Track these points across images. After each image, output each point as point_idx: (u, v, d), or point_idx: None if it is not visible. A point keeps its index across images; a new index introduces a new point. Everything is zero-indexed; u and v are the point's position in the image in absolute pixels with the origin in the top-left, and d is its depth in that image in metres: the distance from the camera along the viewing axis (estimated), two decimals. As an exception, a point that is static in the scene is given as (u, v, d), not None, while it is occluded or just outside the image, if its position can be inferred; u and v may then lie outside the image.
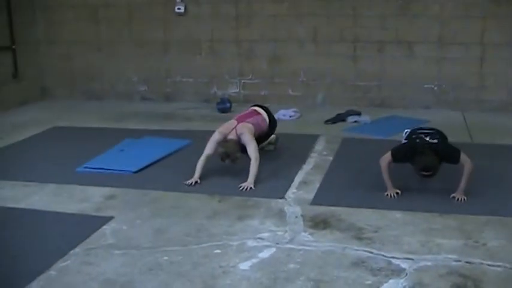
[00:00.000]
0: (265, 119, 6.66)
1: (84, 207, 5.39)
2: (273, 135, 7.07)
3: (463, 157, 5.49)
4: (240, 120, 6.35)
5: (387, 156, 5.62)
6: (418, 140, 5.60)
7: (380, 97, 10.12)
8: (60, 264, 4.23)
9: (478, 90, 9.83)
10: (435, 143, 5.53)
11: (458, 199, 5.40)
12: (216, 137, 6.13)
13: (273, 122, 6.83)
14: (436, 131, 5.86)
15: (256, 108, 6.81)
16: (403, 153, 5.61)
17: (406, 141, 5.85)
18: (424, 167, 5.30)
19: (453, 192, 5.46)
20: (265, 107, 6.94)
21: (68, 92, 11.36)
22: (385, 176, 5.60)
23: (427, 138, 5.58)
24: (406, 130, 6.19)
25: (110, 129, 8.56)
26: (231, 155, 5.86)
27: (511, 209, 5.21)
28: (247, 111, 6.73)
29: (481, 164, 6.37)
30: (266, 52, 10.34)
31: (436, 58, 9.84)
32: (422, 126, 6.42)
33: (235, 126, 6.20)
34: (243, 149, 6.06)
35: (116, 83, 11.12)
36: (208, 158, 6.07)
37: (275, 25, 10.21)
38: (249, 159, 5.97)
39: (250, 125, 6.28)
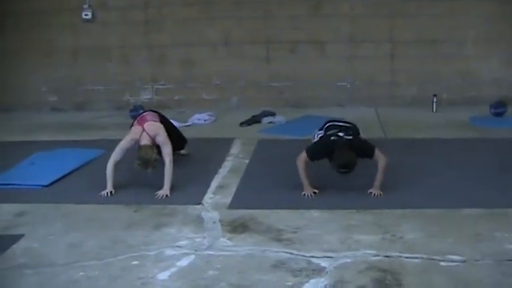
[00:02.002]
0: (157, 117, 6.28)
1: (-9, 227, 5.12)
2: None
3: (377, 153, 5.58)
4: (142, 122, 6.06)
5: (303, 156, 5.63)
6: (332, 138, 5.62)
7: (294, 97, 10.21)
8: (-33, 289, 4.02)
9: (389, 87, 10.08)
10: (350, 139, 5.58)
11: (374, 194, 5.49)
12: (124, 144, 5.88)
13: (165, 122, 6.41)
14: (349, 125, 5.93)
15: (149, 112, 6.46)
16: (319, 152, 5.63)
17: (321, 135, 5.82)
18: (342, 164, 5.34)
19: (369, 188, 5.54)
20: (158, 112, 6.59)
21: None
22: (302, 175, 5.61)
23: (341, 134, 5.62)
24: (318, 132, 6.28)
25: (18, 143, 8.21)
26: (152, 162, 5.61)
27: (425, 201, 5.34)
28: (145, 114, 6.35)
29: (394, 159, 6.51)
30: (178, 56, 10.26)
31: (348, 56, 10.04)
32: (335, 118, 6.46)
33: (144, 129, 5.91)
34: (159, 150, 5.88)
35: (23, 94, 10.69)
36: (117, 165, 5.82)
37: (186, 29, 10.14)
38: (162, 165, 5.81)
39: (158, 124, 6.07)
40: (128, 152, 5.89)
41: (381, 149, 5.66)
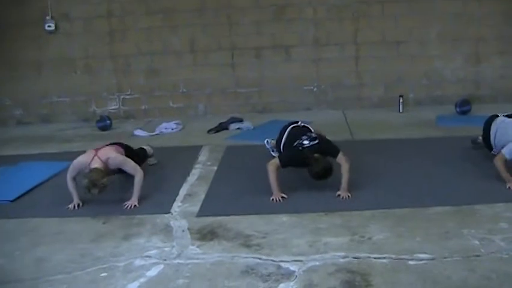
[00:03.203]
0: (122, 151, 6.12)
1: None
2: (148, 148, 6.94)
3: (341, 155, 5.66)
4: (97, 150, 5.89)
5: (275, 161, 5.66)
6: (301, 148, 5.71)
7: (261, 103, 10.23)
8: None
9: (356, 88, 10.16)
10: (317, 143, 5.68)
11: (343, 197, 5.50)
12: (75, 166, 5.73)
13: (127, 149, 6.30)
14: (306, 126, 6.14)
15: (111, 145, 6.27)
16: (291, 162, 5.71)
17: (286, 145, 5.93)
18: (321, 174, 5.46)
19: (337, 191, 5.56)
20: (121, 143, 6.45)
21: None
22: (272, 180, 5.61)
23: (307, 142, 5.71)
24: (266, 140, 6.38)
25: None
26: (97, 184, 5.41)
27: (393, 201, 5.37)
28: (101, 146, 6.18)
29: (362, 160, 6.58)
30: (143, 66, 10.22)
31: (313, 60, 10.10)
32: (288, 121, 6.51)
33: (96, 154, 5.75)
34: (113, 173, 5.82)
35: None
36: (75, 179, 5.73)
37: (150, 38, 10.11)
38: (131, 176, 5.78)
39: (111, 148, 5.95)
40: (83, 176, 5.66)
41: (349, 150, 5.69)
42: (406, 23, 9.84)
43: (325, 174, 5.48)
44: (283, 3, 9.90)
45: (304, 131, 6.03)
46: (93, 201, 5.76)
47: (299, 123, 6.32)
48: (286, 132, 6.14)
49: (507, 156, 5.56)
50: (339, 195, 5.54)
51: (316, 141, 5.70)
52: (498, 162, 5.60)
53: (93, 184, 5.39)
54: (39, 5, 10.00)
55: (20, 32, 10.19)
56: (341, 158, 5.66)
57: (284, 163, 5.68)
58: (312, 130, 6.12)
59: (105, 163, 5.70)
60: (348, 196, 5.51)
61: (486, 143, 6.33)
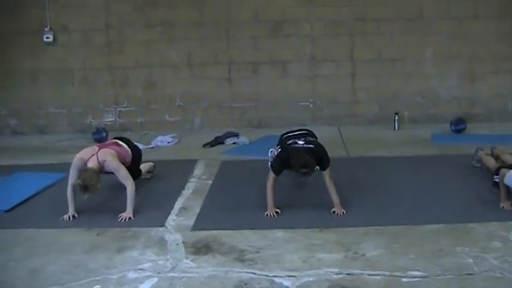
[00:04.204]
0: (127, 150, 6.30)
1: None
2: (150, 163, 6.95)
3: (329, 170, 5.63)
4: (101, 146, 6.03)
5: (271, 174, 5.66)
6: (292, 146, 5.71)
7: (257, 117, 10.25)
8: None
9: (351, 105, 10.20)
10: (311, 147, 5.66)
11: (338, 214, 5.51)
12: (75, 163, 5.75)
13: (135, 153, 6.45)
14: (305, 131, 6.11)
15: (117, 140, 6.45)
16: (280, 162, 5.66)
17: (279, 149, 5.89)
18: (301, 164, 5.35)
19: (331, 208, 5.57)
20: (126, 138, 6.62)
21: None
22: (268, 194, 5.62)
23: (301, 142, 5.72)
24: (270, 150, 6.40)
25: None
26: (91, 187, 5.44)
27: (387, 219, 5.38)
28: (108, 142, 6.46)
29: (357, 177, 6.61)
30: (140, 78, 10.24)
31: (310, 76, 10.14)
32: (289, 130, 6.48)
33: (97, 152, 5.81)
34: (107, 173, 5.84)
35: (-19, 117, 10.54)
36: (75, 187, 5.70)
37: (148, 50, 10.13)
38: (124, 186, 5.78)
39: (113, 151, 5.97)
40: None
41: (343, 167, 5.71)
42: (401, 41, 9.90)
43: (305, 164, 5.33)
44: (280, 19, 9.95)
45: (304, 134, 6.02)
46: (87, 213, 5.78)
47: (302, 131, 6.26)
48: (286, 136, 6.14)
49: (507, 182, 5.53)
50: (334, 211, 5.54)
51: (311, 145, 5.69)
52: (501, 178, 5.57)
53: (86, 187, 5.41)
54: (38, 16, 10.03)
55: (18, 42, 10.21)
56: (327, 174, 5.59)
57: (275, 169, 5.65)
58: (313, 138, 6.11)
59: (101, 164, 5.73)
60: (343, 212, 5.52)
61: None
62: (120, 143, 6.37)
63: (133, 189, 5.75)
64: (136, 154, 6.49)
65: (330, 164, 5.66)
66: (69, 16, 10.11)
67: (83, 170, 5.64)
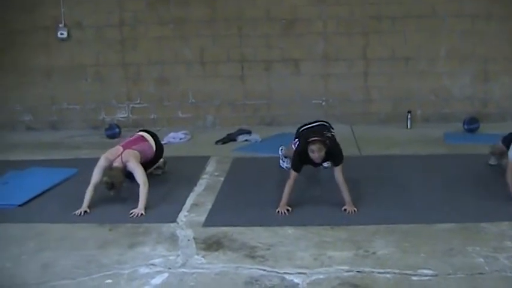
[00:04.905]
0: (151, 146, 6.56)
1: (-39, 248, 5.06)
2: (160, 159, 6.99)
3: (341, 167, 5.66)
4: (126, 146, 6.22)
5: (291, 172, 5.69)
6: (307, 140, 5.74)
7: (269, 115, 10.25)
8: None
9: (364, 104, 10.17)
10: (327, 137, 5.77)
11: (349, 212, 5.51)
12: (102, 163, 5.96)
13: (159, 149, 6.73)
14: (323, 123, 6.26)
15: (143, 134, 6.70)
16: (299, 159, 5.70)
17: (297, 143, 5.99)
18: (311, 137, 5.55)
19: (343, 205, 5.57)
20: (152, 132, 6.85)
21: None
22: (286, 192, 5.63)
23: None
24: (280, 148, 6.43)
25: (-9, 162, 8.11)
26: (117, 185, 5.79)
27: (398, 217, 5.37)
28: (133, 137, 6.60)
29: (369, 175, 6.61)
30: (153, 75, 10.27)
31: (322, 74, 10.12)
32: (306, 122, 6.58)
33: (121, 153, 6.06)
34: (130, 176, 5.98)
35: (-3, 112, 10.63)
36: (97, 187, 5.88)
37: (161, 47, 10.16)
38: (138, 185, 5.84)
39: (136, 152, 6.18)
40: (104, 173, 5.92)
41: (356, 165, 5.70)
42: (415, 40, 9.87)
43: (315, 142, 5.51)
44: (293, 17, 9.95)
45: (321, 128, 6.09)
46: (99, 208, 5.83)
47: (318, 123, 6.38)
48: (303, 129, 6.27)
49: None
50: (345, 209, 5.55)
51: (329, 135, 5.86)
52: (509, 173, 5.57)
53: (112, 184, 5.76)
54: (52, 12, 10.09)
55: (32, 38, 10.28)
56: (339, 170, 5.64)
57: (295, 166, 5.69)
58: (330, 131, 6.20)
59: (124, 164, 5.97)
60: (355, 210, 5.52)
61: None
62: (146, 136, 6.63)
63: (146, 188, 5.81)
64: (160, 150, 6.74)
65: (343, 160, 5.68)
66: (83, 12, 10.17)
67: (109, 168, 5.88)
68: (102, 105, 10.47)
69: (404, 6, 9.80)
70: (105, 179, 5.78)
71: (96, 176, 5.90)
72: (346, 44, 9.98)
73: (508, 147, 5.93)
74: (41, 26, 10.19)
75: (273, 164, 7.15)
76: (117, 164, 5.97)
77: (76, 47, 10.28)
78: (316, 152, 5.53)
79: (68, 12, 10.13)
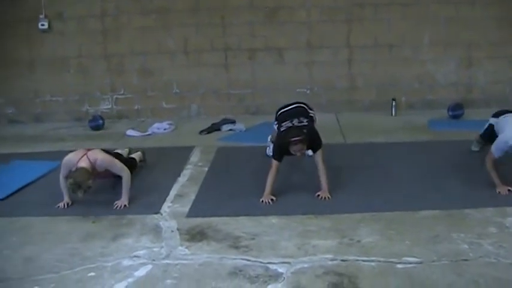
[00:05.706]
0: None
1: None
2: (138, 152, 6.92)
3: (321, 152, 5.66)
4: (88, 149, 5.85)
5: (273, 161, 5.68)
6: (286, 128, 5.80)
7: (254, 104, 10.22)
8: None
9: (348, 91, 10.16)
10: (304, 124, 5.78)
11: (322, 197, 5.53)
12: (64, 164, 5.69)
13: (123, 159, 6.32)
14: (300, 106, 6.28)
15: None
16: (279, 149, 5.69)
17: (276, 126, 6.09)
18: (293, 135, 5.52)
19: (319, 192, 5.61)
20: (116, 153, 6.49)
21: None
22: (269, 181, 5.63)
23: (295, 123, 5.82)
24: (269, 137, 6.43)
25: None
26: (82, 185, 5.38)
27: (383, 205, 5.37)
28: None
29: (353, 163, 6.60)
30: (137, 66, 10.19)
31: (306, 62, 10.09)
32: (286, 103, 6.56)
33: (86, 153, 5.69)
34: (100, 176, 5.81)
35: (-22, 106, 10.50)
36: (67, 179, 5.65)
37: (144, 37, 10.08)
38: (119, 180, 5.76)
39: (101, 150, 5.89)
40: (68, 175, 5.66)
41: (340, 153, 5.69)
42: (398, 27, 9.85)
43: (296, 134, 5.52)
44: (276, 5, 9.89)
45: (298, 114, 6.07)
46: (82, 201, 5.73)
47: (295, 105, 6.37)
48: (281, 113, 6.27)
49: (494, 154, 5.55)
50: (318, 195, 5.55)
51: (306, 123, 5.86)
52: (488, 164, 5.60)
53: (77, 185, 5.36)
54: (33, 3, 9.96)
55: (13, 30, 10.14)
56: (319, 155, 5.65)
57: (277, 156, 5.68)
58: (309, 113, 6.22)
59: (93, 164, 5.64)
60: (328, 197, 5.52)
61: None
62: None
63: (129, 178, 5.74)
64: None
65: (321, 145, 5.69)
66: (65, 3, 10.04)
67: (73, 170, 5.56)
68: (86, 96, 10.38)
69: (388, -7, 9.78)
70: (69, 181, 5.46)
71: (63, 170, 5.70)
72: (330, 31, 9.94)
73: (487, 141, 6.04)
74: (23, 17, 10.05)
75: (257, 153, 7.12)
76: (83, 164, 5.58)
77: (58, 38, 10.16)
78: (297, 151, 5.54)
79: (48, 3, 10.00)
